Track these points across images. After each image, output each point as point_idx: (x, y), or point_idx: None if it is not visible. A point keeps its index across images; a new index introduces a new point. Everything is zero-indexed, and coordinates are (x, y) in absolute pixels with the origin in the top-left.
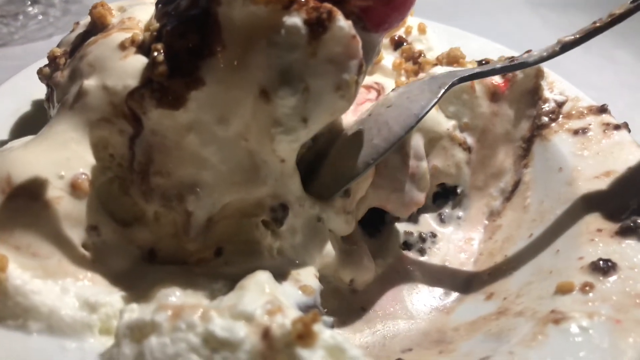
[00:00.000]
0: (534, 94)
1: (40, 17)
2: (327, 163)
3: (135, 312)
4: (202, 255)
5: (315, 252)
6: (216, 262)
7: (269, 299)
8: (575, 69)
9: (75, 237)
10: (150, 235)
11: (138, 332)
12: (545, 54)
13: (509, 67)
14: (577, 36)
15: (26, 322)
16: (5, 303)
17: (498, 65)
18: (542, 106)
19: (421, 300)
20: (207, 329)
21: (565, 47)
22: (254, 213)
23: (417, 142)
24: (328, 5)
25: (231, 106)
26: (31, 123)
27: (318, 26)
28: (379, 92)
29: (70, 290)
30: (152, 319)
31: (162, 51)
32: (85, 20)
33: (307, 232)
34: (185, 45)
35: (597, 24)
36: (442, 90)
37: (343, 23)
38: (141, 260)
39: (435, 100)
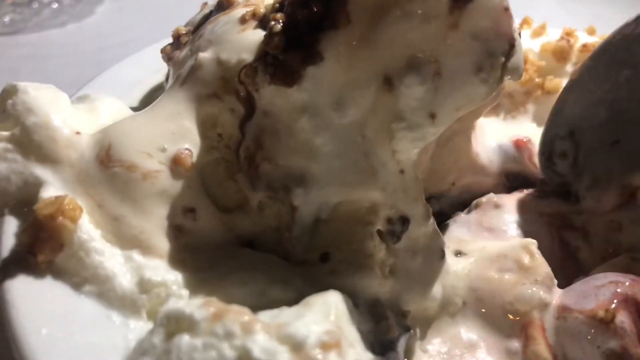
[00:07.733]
0: None
1: (55, 5)
2: None
3: (182, 301)
4: (305, 257)
5: (427, 288)
6: (321, 267)
7: (329, 328)
8: None
9: (167, 215)
10: (251, 225)
11: (175, 324)
12: None
13: None
14: None
15: (81, 281)
16: (69, 255)
17: None
18: None
19: None
20: (244, 344)
21: None
22: (367, 220)
23: None
24: None
25: (350, 90)
26: (152, 94)
27: None
28: None
29: (135, 261)
30: (190, 314)
31: (280, 21)
32: (213, 1)
33: (428, 259)
34: (307, 15)
35: None
36: None
37: None
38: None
39: None
